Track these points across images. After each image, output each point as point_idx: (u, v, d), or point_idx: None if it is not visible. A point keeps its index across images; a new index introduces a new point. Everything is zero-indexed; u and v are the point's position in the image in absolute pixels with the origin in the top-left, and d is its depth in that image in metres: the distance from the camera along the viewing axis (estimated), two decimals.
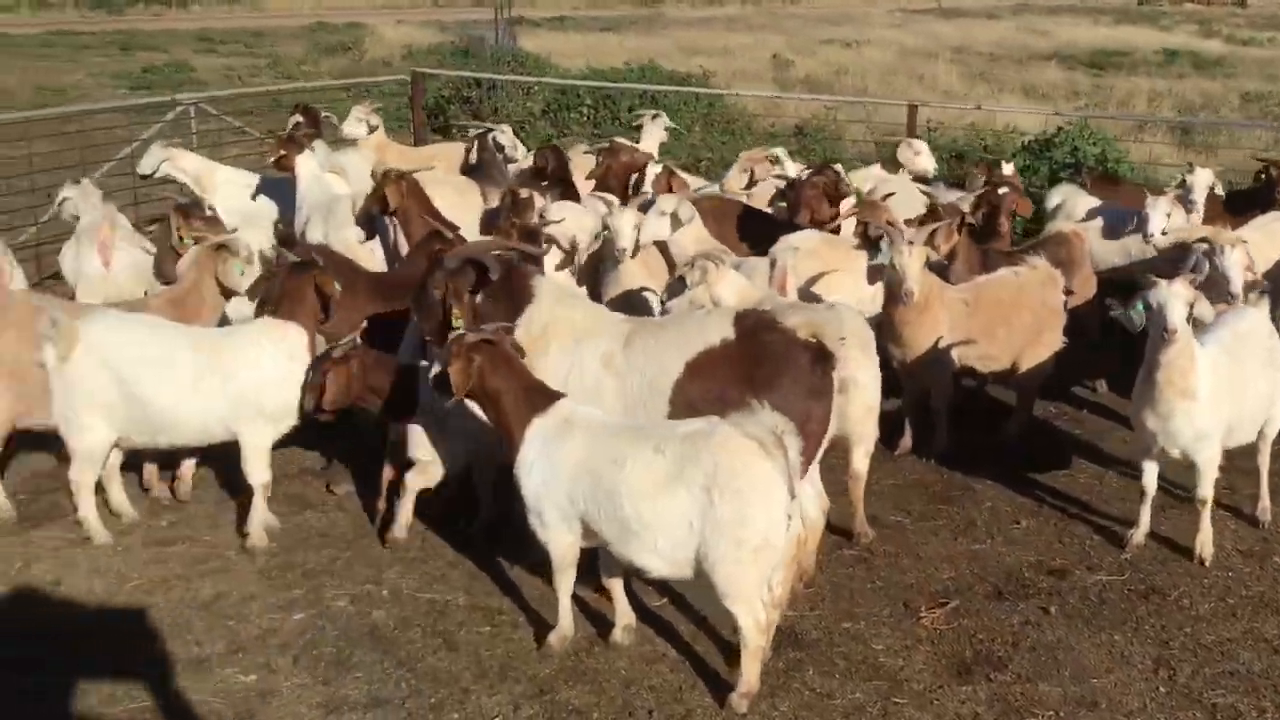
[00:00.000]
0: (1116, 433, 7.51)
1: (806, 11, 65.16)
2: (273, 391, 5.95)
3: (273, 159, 9.57)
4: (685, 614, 5.48)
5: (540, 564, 5.72)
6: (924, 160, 10.40)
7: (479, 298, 5.54)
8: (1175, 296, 5.51)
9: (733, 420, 4.63)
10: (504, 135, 10.50)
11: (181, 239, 7.24)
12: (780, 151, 11.39)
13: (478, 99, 18.94)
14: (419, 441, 5.95)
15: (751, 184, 10.28)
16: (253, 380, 5.94)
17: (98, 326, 5.88)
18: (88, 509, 6.03)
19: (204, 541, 6.17)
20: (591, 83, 18.11)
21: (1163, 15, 58.67)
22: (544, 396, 4.97)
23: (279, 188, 9.77)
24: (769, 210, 8.84)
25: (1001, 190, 8.25)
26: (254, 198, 10.05)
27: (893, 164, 10.54)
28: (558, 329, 5.50)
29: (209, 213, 7.92)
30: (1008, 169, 9.99)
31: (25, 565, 5.90)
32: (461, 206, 9.15)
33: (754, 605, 4.67)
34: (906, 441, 7.26)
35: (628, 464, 4.67)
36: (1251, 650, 5.27)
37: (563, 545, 4.95)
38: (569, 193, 9.56)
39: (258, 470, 6.08)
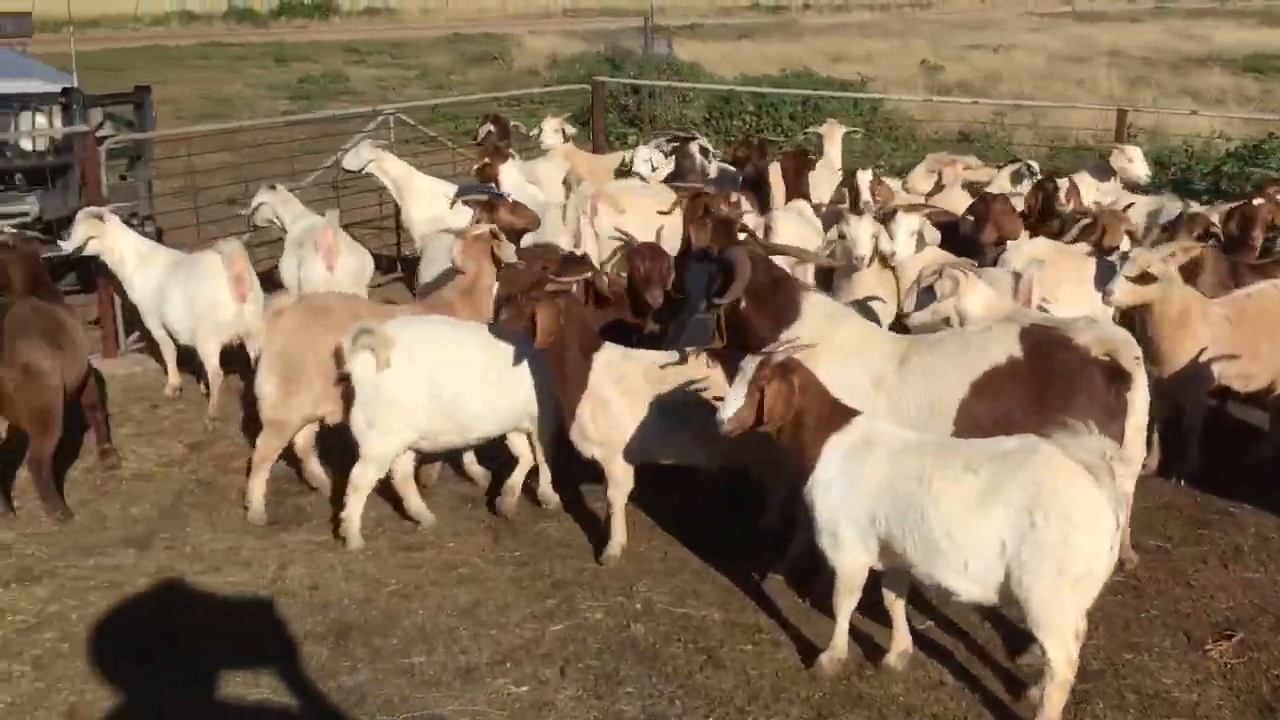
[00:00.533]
0: None
1: (941, 16, 64.19)
2: None
3: (476, 168, 9.67)
4: (951, 635, 5.30)
5: (793, 579, 5.68)
6: (1138, 167, 10.03)
7: (742, 305, 5.42)
8: None
9: (1056, 441, 4.43)
10: (700, 144, 10.42)
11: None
12: (973, 160, 11.13)
13: (634, 106, 19.02)
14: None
15: (937, 188, 10.05)
16: (543, 378, 6.03)
17: (409, 331, 5.99)
18: (355, 511, 6.11)
19: (449, 548, 6.19)
20: (753, 89, 17.99)
21: None
22: (842, 413, 4.83)
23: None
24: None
25: (1257, 201, 7.87)
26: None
27: (1103, 170, 10.15)
28: (825, 347, 5.35)
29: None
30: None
31: (280, 568, 5.98)
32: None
33: (1066, 638, 4.45)
34: (1152, 462, 6.93)
35: (934, 482, 4.50)
36: None
37: (855, 566, 4.80)
38: (763, 190, 9.47)
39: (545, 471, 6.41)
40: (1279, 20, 51.09)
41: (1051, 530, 4.30)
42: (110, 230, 7.92)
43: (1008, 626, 5.28)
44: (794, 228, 7.91)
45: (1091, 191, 9.35)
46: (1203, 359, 6.49)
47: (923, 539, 4.49)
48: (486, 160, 9.54)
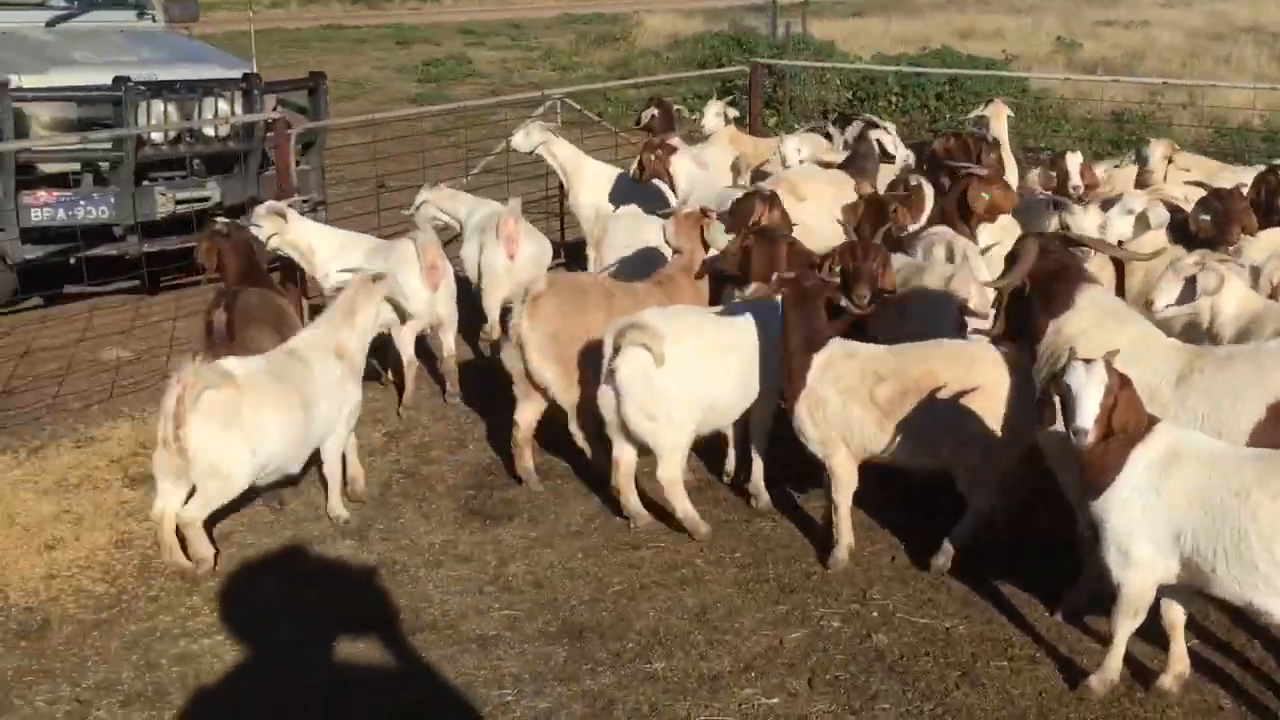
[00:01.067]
0: None
1: None
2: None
3: (641, 163, 9.40)
4: (1222, 655, 4.99)
5: (1045, 593, 5.41)
6: None
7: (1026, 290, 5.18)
8: None
9: None
10: (887, 135, 10.05)
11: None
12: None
13: (771, 87, 18.64)
14: None
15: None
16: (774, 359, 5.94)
17: (674, 324, 5.92)
18: (685, 505, 6.06)
19: (667, 547, 6.03)
20: (895, 68, 17.51)
21: None
22: (1144, 422, 4.51)
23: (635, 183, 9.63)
24: None
25: None
26: (614, 193, 10.05)
27: None
28: (1091, 348, 5.00)
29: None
30: None
31: (500, 564, 5.88)
32: (838, 199, 8.83)
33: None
34: None
35: (1252, 496, 4.20)
36: None
37: (1146, 585, 4.51)
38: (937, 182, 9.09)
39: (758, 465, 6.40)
40: None
41: None
42: (293, 225, 7.90)
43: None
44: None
45: None
46: None
47: (1240, 559, 4.19)
48: (655, 155, 9.32)
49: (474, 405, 7.79)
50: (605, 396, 5.98)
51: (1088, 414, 4.28)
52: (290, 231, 7.88)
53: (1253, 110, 16.50)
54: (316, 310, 7.26)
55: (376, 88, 24.58)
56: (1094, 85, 17.87)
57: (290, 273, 8.50)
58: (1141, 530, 4.38)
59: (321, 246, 7.88)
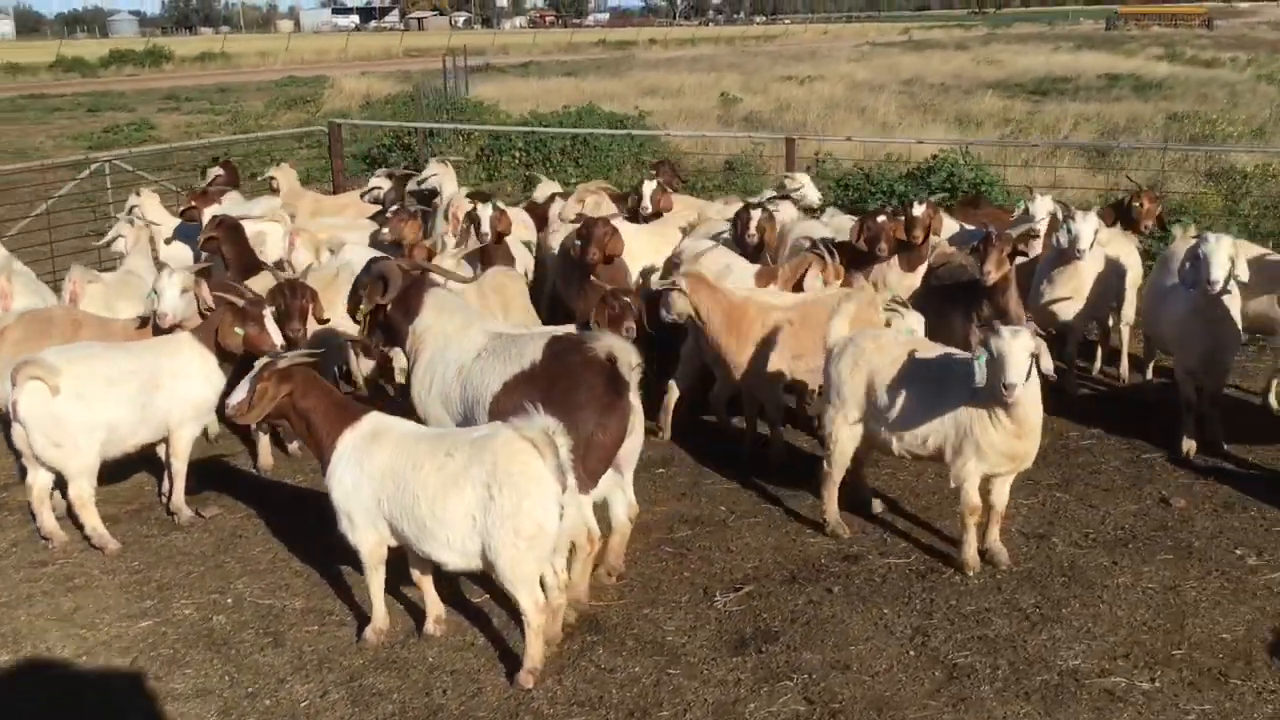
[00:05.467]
0: None
1: (780, 49, 66.40)
2: None
3: (182, 209, 10.19)
4: (502, 605, 5.98)
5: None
6: (810, 192, 10.99)
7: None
8: (1019, 348, 5.63)
9: (512, 423, 5.18)
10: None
11: None
12: (804, 177, 11.57)
13: (417, 145, 19.64)
14: None
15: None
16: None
17: (68, 356, 6.60)
18: (97, 523, 6.75)
19: (78, 561, 6.69)
20: (522, 128, 18.78)
21: (1130, 40, 59.96)
22: (353, 411, 5.53)
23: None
24: None
25: (880, 218, 8.68)
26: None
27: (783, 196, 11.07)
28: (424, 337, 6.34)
29: None
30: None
31: None
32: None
33: (533, 588, 5.21)
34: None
35: (425, 467, 5.22)
36: (1005, 618, 5.80)
37: (369, 544, 5.49)
38: None
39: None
40: (1096, 44, 54.52)
41: (505, 499, 5.04)
42: None
43: None
44: None
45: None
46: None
47: (417, 518, 5.22)
48: (193, 203, 10.09)
49: None
50: (16, 430, 6.61)
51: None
52: None
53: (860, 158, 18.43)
54: None
55: (44, 154, 24.32)
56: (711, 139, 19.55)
57: None
58: (354, 499, 5.37)
59: None
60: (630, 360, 5.74)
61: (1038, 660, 5.43)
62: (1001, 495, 6.23)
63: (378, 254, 7.87)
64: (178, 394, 6.79)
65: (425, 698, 5.30)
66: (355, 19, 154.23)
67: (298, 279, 7.51)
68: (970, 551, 6.24)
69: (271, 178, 12.25)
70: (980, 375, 5.68)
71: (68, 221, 10.97)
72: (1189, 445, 7.68)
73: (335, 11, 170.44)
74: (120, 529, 7.03)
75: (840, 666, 5.42)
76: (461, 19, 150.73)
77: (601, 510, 6.08)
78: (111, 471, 7.30)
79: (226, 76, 51.24)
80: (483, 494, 5.09)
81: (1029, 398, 5.77)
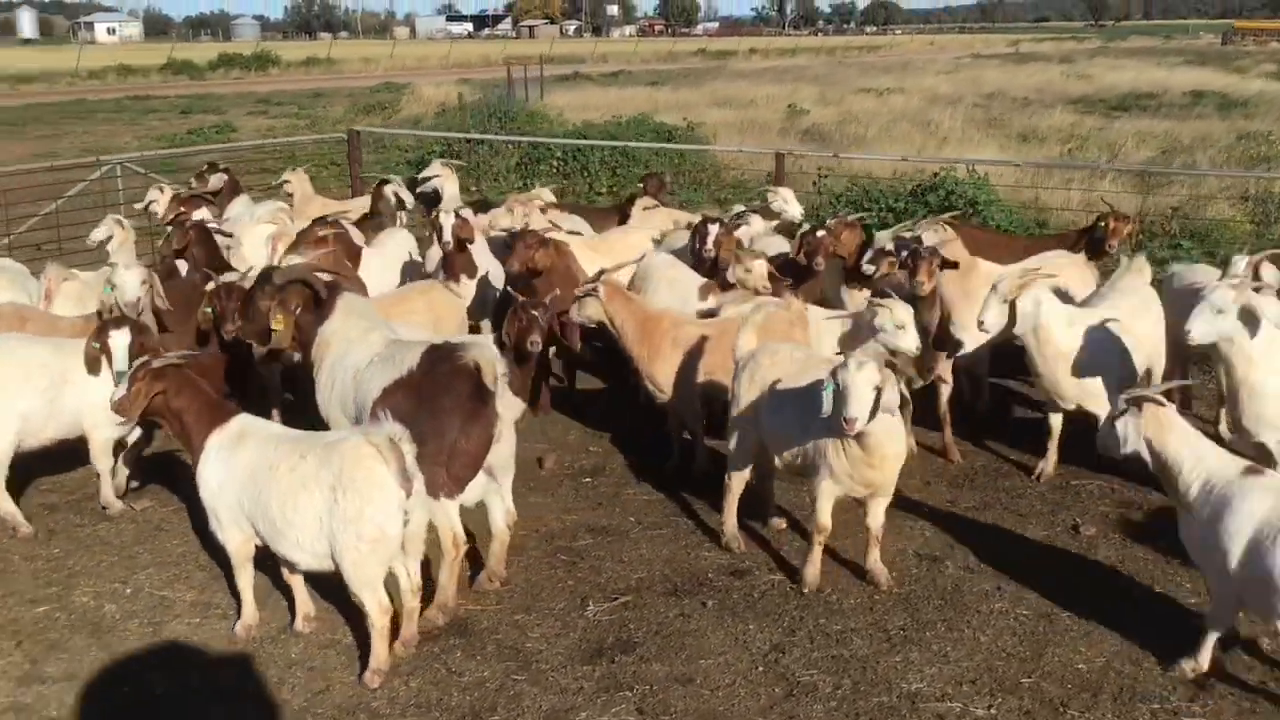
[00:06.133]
0: None
1: (877, 60, 65.92)
2: None
3: (170, 216, 10.58)
4: None
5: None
6: (792, 207, 10.97)
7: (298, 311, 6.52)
8: (862, 381, 5.50)
9: (361, 429, 5.33)
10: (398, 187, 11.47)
11: None
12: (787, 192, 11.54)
13: (464, 154, 20.04)
14: None
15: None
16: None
17: None
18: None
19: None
20: (560, 140, 19.01)
21: (1244, 55, 58.15)
22: (223, 412, 5.75)
23: None
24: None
25: (819, 233, 8.74)
26: None
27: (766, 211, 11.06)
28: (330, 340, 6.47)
29: None
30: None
31: None
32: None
33: (376, 590, 5.36)
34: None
35: (279, 471, 5.41)
36: (866, 638, 5.77)
37: (235, 542, 5.71)
38: None
39: None
40: (1208, 60, 52.89)
41: (349, 503, 5.20)
42: None
43: None
44: None
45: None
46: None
47: (270, 519, 5.42)
48: (182, 209, 10.50)
49: None
50: None
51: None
52: None
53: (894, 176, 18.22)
54: None
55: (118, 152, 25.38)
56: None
57: None
58: (220, 498, 5.60)
59: None
60: (497, 370, 5.85)
61: (882, 682, 5.40)
62: (876, 517, 6.18)
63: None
64: (88, 392, 6.94)
65: (275, 692, 5.47)
66: (469, 26, 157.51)
67: (234, 282, 7.77)
68: (812, 570, 6.25)
69: (285, 181, 12.67)
70: (827, 405, 5.64)
71: (78, 221, 11.48)
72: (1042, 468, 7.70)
73: (450, 19, 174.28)
74: (56, 517, 7.39)
75: (684, 680, 5.46)
76: (572, 27, 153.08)
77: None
78: (59, 462, 7.70)
79: (326, 82, 52.70)
80: (329, 497, 5.25)
81: (881, 428, 5.70)
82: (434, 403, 5.82)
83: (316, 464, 5.32)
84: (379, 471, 5.21)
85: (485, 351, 5.94)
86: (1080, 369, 7.18)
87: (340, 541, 5.26)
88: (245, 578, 5.85)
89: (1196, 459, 5.26)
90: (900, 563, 6.50)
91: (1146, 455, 5.40)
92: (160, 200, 11.54)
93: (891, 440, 5.85)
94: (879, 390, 5.50)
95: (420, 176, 12.17)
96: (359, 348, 6.38)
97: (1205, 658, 5.33)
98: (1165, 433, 5.33)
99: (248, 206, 11.84)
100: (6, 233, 10.51)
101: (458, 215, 9.10)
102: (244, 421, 5.71)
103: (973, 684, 5.37)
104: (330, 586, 6.02)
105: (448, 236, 8.85)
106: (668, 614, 6.07)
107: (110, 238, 10.16)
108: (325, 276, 6.77)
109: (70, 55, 58.31)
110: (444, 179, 11.84)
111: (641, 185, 12.19)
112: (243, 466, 5.53)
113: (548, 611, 6.14)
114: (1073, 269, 8.62)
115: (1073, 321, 7.27)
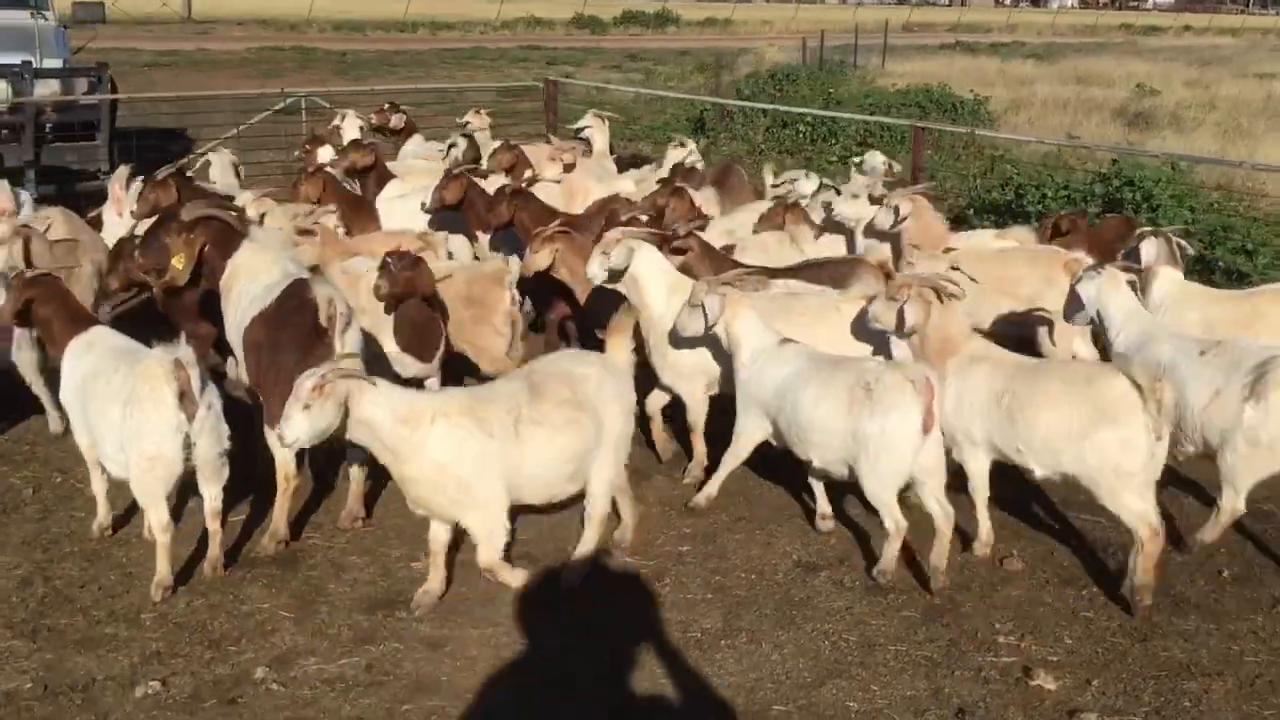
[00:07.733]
0: None
1: None
2: None
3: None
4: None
5: None
6: (802, 184, 10.20)
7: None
8: None
9: (161, 348, 5.65)
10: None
11: None
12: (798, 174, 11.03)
13: (713, 121, 19.88)
14: None
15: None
16: None
17: None
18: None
19: None
20: (815, 111, 18.35)
21: None
22: (84, 322, 6.30)
23: None
24: None
25: None
26: None
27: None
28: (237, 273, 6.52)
29: None
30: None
31: None
32: None
33: (158, 506, 5.72)
34: None
35: (99, 381, 5.86)
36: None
37: (83, 445, 6.22)
38: None
39: None
40: None
41: (133, 420, 5.62)
42: None
43: None
44: None
45: None
46: None
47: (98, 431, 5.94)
48: (306, 147, 11.38)
49: None
50: None
51: None
52: None
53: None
54: None
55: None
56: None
57: None
58: (71, 406, 6.15)
59: None
60: (337, 309, 5.96)
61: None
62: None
63: None
64: None
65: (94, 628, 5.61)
66: None
67: (127, 237, 7.94)
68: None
69: (466, 122, 13.18)
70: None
71: (259, 147, 12.58)
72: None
73: None
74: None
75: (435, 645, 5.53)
76: None
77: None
78: None
79: (712, 41, 53.16)
80: (123, 411, 5.64)
81: None
82: (277, 334, 6.05)
83: (120, 379, 5.72)
84: (162, 391, 5.52)
85: (330, 291, 6.07)
86: None
87: (128, 455, 5.64)
88: (95, 479, 6.33)
89: None
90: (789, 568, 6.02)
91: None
92: (345, 129, 12.34)
93: None
94: None
95: (573, 128, 12.39)
96: (262, 278, 6.51)
97: None
98: None
99: (419, 145, 12.56)
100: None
101: None
102: (99, 333, 6.19)
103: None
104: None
105: None
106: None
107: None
108: (231, 212, 6.87)
109: (492, 7, 62.19)
110: (594, 129, 11.98)
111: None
112: (81, 374, 6.02)
113: (385, 557, 6.29)
114: None
115: None
